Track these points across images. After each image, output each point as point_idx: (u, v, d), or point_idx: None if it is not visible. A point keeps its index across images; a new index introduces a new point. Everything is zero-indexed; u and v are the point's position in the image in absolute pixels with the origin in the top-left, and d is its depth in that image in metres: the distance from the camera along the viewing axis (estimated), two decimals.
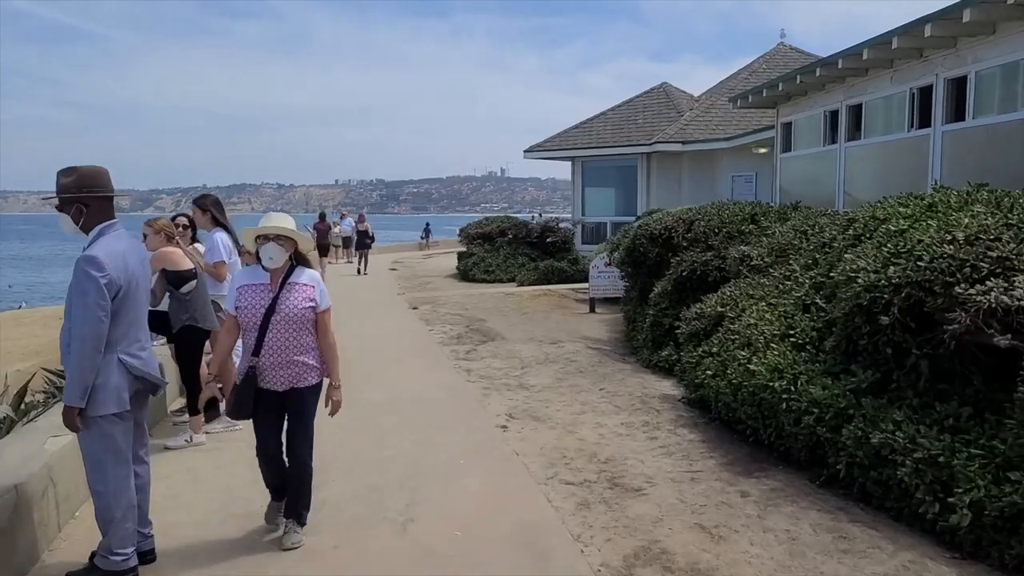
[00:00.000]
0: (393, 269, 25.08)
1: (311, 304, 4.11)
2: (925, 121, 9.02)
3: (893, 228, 5.19)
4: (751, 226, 8.33)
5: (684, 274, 8.11)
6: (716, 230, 8.40)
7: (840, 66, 9.91)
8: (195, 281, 5.93)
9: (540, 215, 27.35)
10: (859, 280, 4.78)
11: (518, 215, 27.35)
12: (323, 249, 21.84)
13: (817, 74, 10.25)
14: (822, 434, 4.69)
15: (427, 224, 42.39)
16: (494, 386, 7.86)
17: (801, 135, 12.49)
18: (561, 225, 20.27)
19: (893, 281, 4.48)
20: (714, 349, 6.31)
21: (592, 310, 13.39)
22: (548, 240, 19.57)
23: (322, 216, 23.98)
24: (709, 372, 6.08)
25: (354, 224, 25.62)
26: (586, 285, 16.83)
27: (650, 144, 19.18)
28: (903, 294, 4.40)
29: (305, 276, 4.18)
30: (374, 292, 17.87)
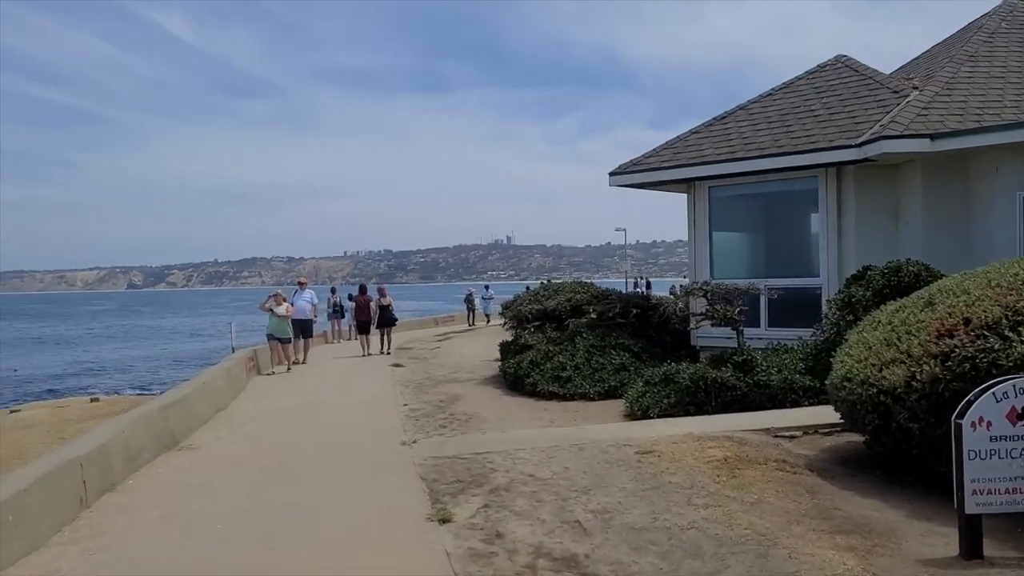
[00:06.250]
0: (397, 364, 16.21)
1: None
2: None
3: None
4: None
5: None
6: None
7: None
8: None
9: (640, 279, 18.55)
10: None
11: (556, 280, 18.68)
12: (362, 326, 18.97)
13: None
14: None
15: (469, 293, 30.34)
16: None
17: None
18: (690, 292, 11.08)
19: None
20: None
21: (975, 555, 4.45)
22: (671, 325, 10.66)
23: (362, 289, 19.89)
24: None
25: (333, 299, 23.80)
26: (789, 421, 7.84)
27: (859, 144, 10.47)
28: None
29: None
30: (349, 434, 8.94)
